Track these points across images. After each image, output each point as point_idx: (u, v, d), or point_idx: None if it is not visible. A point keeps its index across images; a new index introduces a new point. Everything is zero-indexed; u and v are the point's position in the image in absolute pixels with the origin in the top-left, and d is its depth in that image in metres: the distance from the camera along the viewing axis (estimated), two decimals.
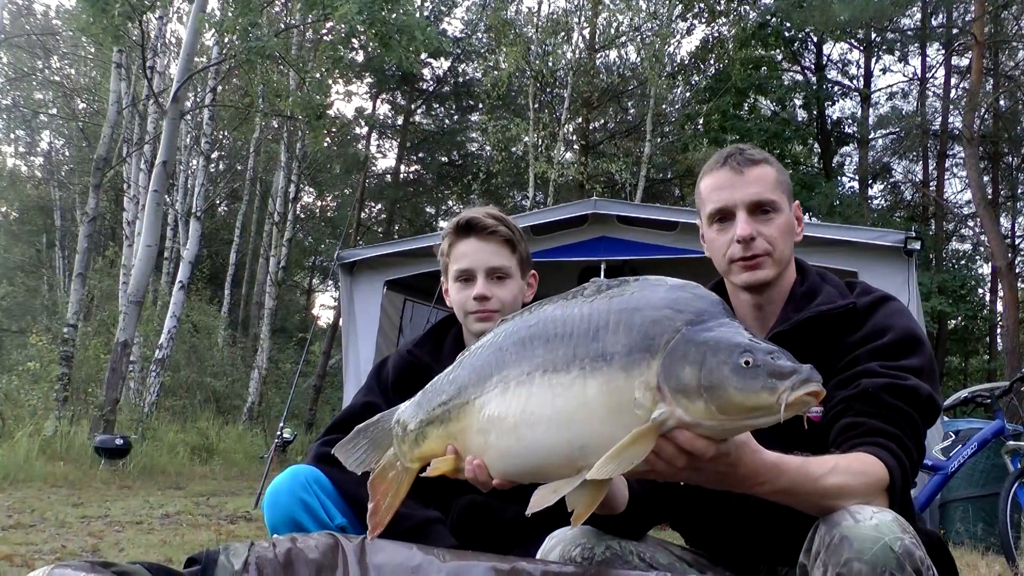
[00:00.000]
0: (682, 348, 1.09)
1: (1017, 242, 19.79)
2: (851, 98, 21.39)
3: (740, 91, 18.54)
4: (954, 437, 5.15)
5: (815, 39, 20.71)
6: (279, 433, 8.10)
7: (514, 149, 19.67)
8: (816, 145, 20.53)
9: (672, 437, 1.09)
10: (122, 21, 11.06)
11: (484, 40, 21.00)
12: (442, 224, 23.75)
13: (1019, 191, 20.53)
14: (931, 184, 20.11)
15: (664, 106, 20.01)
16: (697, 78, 21.09)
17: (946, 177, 20.52)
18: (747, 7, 19.99)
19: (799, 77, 21.32)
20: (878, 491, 1.33)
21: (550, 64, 17.95)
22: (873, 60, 20.91)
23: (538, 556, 1.51)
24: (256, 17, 11.58)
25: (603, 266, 6.73)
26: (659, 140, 20.32)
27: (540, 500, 1.16)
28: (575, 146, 20.14)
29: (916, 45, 19.88)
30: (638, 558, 1.55)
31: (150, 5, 11.89)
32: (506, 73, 17.29)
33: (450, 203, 25.98)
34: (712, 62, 20.35)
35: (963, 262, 19.75)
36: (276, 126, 20.03)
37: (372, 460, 1.43)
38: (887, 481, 1.35)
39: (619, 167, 17.08)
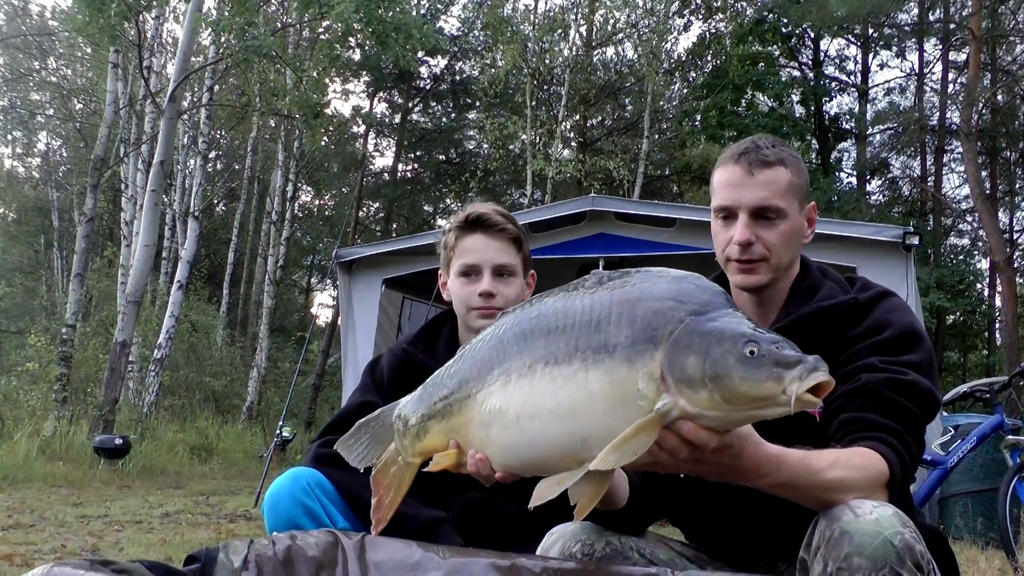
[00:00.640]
0: (686, 338, 1.08)
1: (1015, 237, 19.81)
2: (849, 94, 21.46)
3: (737, 87, 18.55)
4: (953, 432, 5.14)
5: (812, 35, 20.73)
6: (278, 432, 8.13)
7: (512, 147, 19.66)
8: (814, 141, 20.52)
9: (675, 428, 1.09)
10: (118, 21, 11.02)
11: (481, 38, 20.96)
12: (440, 222, 23.84)
13: (1017, 186, 20.56)
14: (929, 179, 20.15)
15: (661, 103, 19.99)
16: (694, 74, 21.12)
17: (944, 172, 20.60)
18: (744, 3, 20.01)
19: (796, 73, 21.34)
20: (878, 485, 1.33)
21: (547, 61, 17.93)
22: (870, 56, 20.95)
23: (538, 552, 1.51)
24: (253, 16, 11.55)
25: (601, 263, 6.73)
26: (657, 137, 20.31)
27: (543, 493, 1.16)
28: (573, 143, 20.14)
29: (913, 40, 19.90)
30: (638, 554, 1.55)
31: (146, 5, 11.84)
32: (503, 71, 17.26)
33: (448, 201, 25.96)
34: (709, 58, 20.34)
35: (961, 257, 19.80)
36: (273, 125, 20.02)
37: (374, 455, 1.42)
38: (887, 475, 1.35)
39: (617, 164, 17.07)
